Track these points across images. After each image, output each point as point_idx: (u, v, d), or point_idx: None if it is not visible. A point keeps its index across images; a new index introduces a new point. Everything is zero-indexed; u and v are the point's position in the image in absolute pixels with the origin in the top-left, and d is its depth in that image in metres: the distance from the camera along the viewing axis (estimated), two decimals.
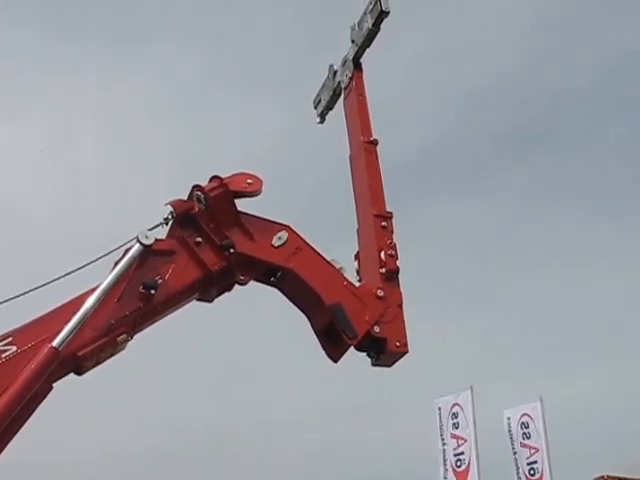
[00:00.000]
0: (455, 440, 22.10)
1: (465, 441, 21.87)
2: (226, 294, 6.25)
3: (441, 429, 22.43)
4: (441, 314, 28.17)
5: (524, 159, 37.89)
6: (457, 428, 22.18)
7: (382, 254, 6.45)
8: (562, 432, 22.95)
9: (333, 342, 6.20)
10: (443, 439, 22.33)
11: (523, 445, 22.09)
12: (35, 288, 5.59)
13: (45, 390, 5.39)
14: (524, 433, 22.16)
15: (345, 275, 6.35)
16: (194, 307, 6.21)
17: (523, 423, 22.24)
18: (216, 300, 6.27)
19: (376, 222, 6.63)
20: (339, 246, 6.90)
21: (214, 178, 6.14)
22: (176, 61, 32.91)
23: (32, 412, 5.35)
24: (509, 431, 22.32)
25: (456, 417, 22.29)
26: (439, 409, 22.62)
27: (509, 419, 22.45)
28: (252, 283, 6.23)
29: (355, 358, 6.31)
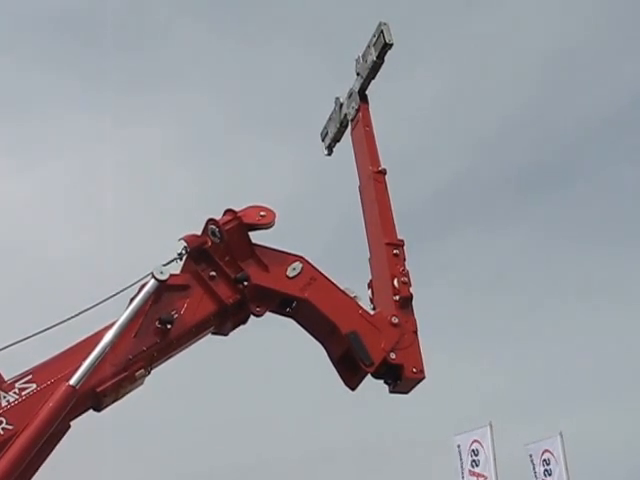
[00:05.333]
0: (475, 478, 21.87)
1: (485, 479, 21.65)
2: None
3: (461, 467, 22.21)
4: (459, 350, 28.05)
5: (546, 195, 37.91)
6: (477, 466, 21.95)
7: (395, 281, 6.48)
8: (583, 467, 22.69)
9: (350, 371, 6.22)
10: (463, 477, 22.09)
11: None
12: (53, 325, 5.64)
13: (63, 429, 5.42)
14: (546, 470, 21.93)
15: (360, 303, 6.39)
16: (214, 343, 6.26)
17: (545, 460, 22.01)
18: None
19: (388, 250, 6.67)
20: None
21: (228, 211, 6.22)
22: (194, 105, 33.33)
23: (50, 452, 5.37)
24: (533, 468, 22.09)
25: (476, 454, 22.09)
26: (459, 446, 22.43)
27: (531, 456, 22.22)
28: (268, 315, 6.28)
29: (373, 395, 6.32)
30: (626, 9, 33.03)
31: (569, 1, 35.25)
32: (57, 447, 5.44)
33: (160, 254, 6.06)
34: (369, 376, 6.24)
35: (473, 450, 22.22)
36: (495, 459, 21.81)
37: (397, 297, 6.43)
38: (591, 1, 37.31)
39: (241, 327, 6.29)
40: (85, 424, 5.67)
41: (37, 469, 5.31)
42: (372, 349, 6.11)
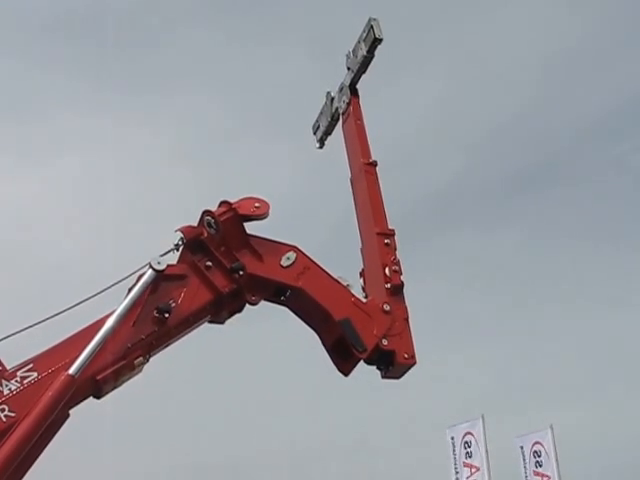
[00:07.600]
0: (468, 469, 22.08)
1: (478, 469, 21.85)
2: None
3: (454, 458, 22.40)
4: (453, 344, 28.26)
5: (541, 195, 38.15)
6: (470, 457, 22.16)
7: (387, 270, 6.62)
8: (573, 460, 22.89)
9: (343, 357, 6.36)
10: (456, 468, 22.30)
11: (536, 473, 22.06)
12: (53, 315, 5.76)
13: (62, 417, 5.53)
14: (537, 462, 22.12)
15: (352, 292, 6.52)
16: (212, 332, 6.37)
17: (536, 452, 22.20)
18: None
19: (379, 240, 6.80)
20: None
21: (223, 203, 6.33)
22: (194, 105, 33.37)
23: (49, 440, 5.48)
24: (523, 459, 22.28)
25: (469, 446, 22.29)
26: (452, 438, 22.61)
27: (522, 448, 22.41)
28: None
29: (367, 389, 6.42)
30: (625, 10, 33.28)
31: (568, 2, 35.48)
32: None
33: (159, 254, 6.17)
34: (363, 365, 6.37)
35: (466, 442, 22.40)
36: (487, 451, 22.03)
37: (388, 285, 6.57)
38: (590, 2, 37.55)
39: (237, 316, 6.43)
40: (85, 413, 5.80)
41: (38, 456, 5.42)
42: (365, 335, 6.25)
